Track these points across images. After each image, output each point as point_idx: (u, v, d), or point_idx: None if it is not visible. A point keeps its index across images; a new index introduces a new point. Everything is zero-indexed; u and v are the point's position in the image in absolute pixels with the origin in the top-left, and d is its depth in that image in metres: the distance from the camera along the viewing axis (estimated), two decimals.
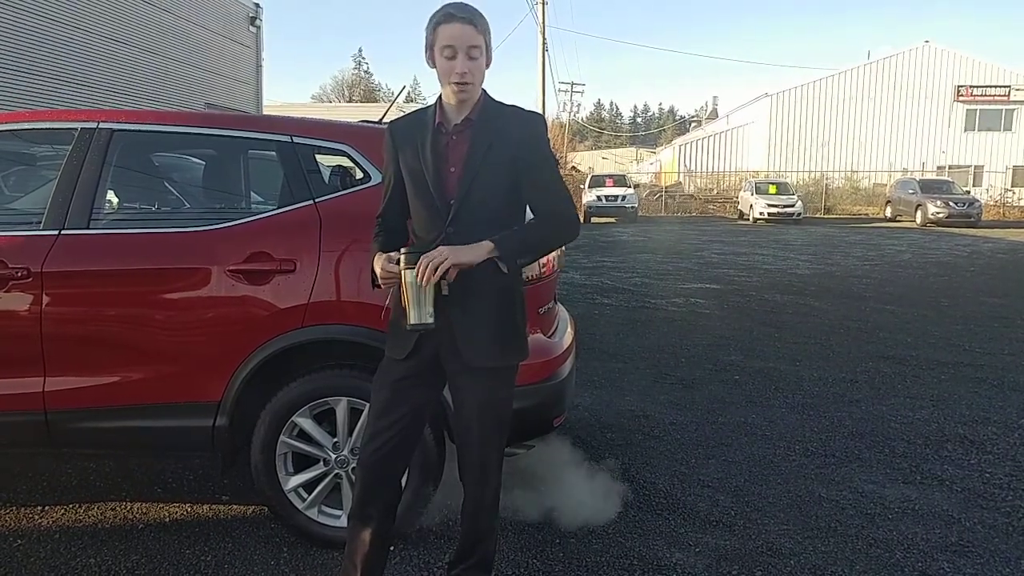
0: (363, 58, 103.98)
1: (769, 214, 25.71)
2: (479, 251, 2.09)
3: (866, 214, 31.14)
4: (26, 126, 3.27)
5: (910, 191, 26.60)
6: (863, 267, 12.83)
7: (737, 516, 3.23)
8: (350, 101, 66.90)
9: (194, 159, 4.12)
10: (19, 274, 2.85)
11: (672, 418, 4.55)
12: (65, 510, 3.23)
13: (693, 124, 52.95)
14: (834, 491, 3.50)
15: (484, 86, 2.23)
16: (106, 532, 3.05)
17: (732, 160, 37.80)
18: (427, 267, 2.01)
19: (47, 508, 3.24)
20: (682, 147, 41.06)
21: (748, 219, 26.89)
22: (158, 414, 2.85)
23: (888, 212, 28.26)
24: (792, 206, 25.78)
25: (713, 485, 3.56)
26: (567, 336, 3.40)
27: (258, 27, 20.53)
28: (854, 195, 33.41)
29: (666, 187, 35.52)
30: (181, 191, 3.59)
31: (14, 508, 3.24)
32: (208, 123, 3.24)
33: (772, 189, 27.12)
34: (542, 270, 3.06)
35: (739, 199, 29.30)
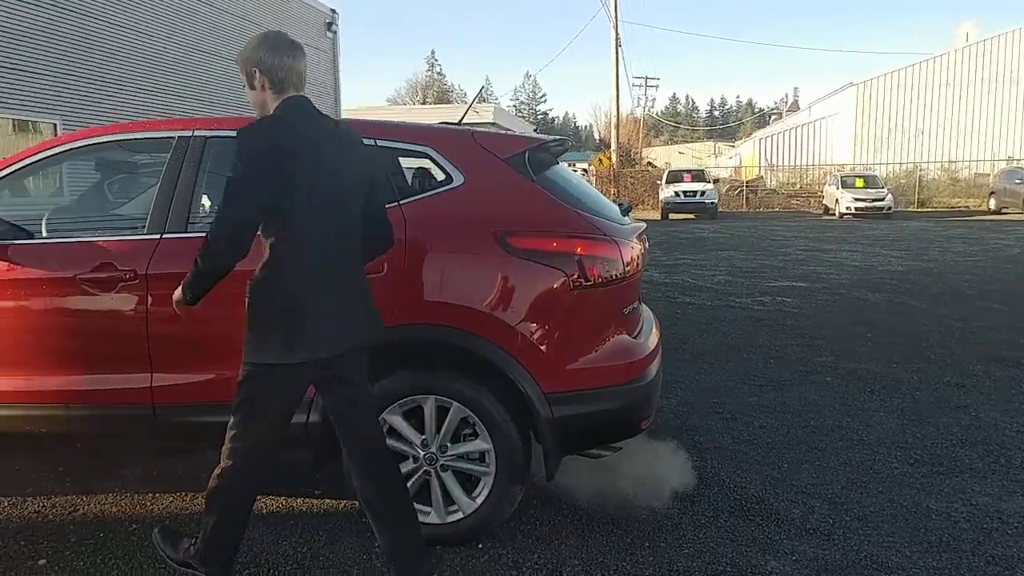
0: (436, 60, 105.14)
1: (856, 208, 24.73)
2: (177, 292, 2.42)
3: (966, 207, 29.56)
4: (128, 136, 3.43)
5: (1017, 181, 25.03)
6: (964, 263, 12.18)
7: (836, 525, 3.12)
8: (424, 103, 67.86)
9: None
10: (127, 276, 2.99)
11: (761, 421, 4.42)
12: (173, 498, 3.38)
13: (773, 117, 51.53)
14: (944, 503, 3.32)
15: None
16: None
17: (815, 153, 36.52)
18: None
19: (157, 496, 3.39)
20: (762, 140, 39.97)
21: (834, 214, 25.96)
22: None
23: (992, 204, 26.65)
24: (881, 200, 24.71)
25: (808, 491, 3.44)
26: (653, 336, 3.35)
27: (334, 32, 21.02)
28: (952, 187, 31.68)
29: (747, 182, 34.65)
30: None
31: (128, 495, 3.41)
32: None
33: (859, 183, 26.07)
34: (626, 268, 3.01)
35: (824, 193, 28.31)
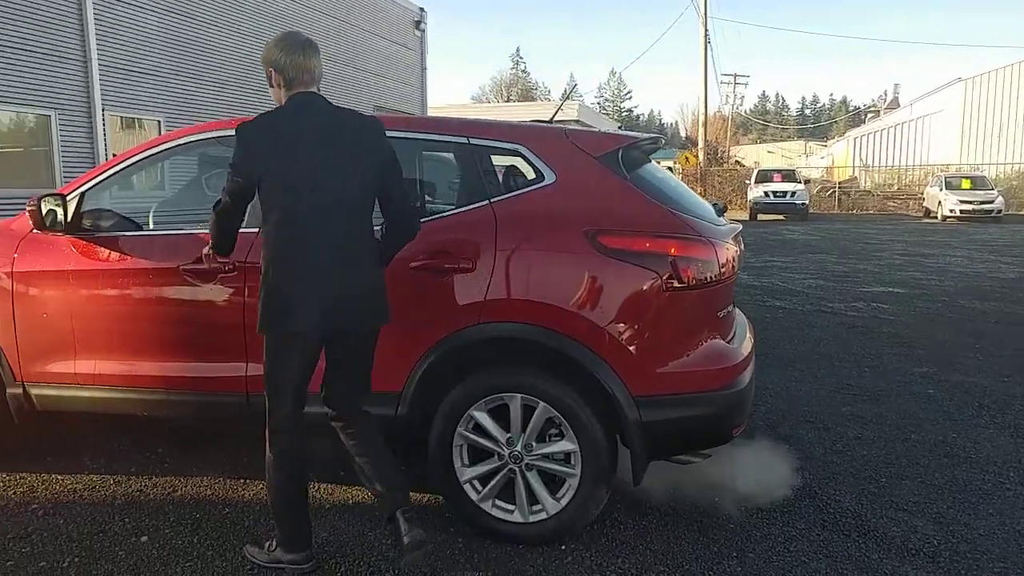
0: (520, 57, 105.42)
1: (962, 211, 23.41)
2: None
3: None
4: (228, 133, 3.54)
5: None
6: None
7: (941, 547, 2.95)
8: (507, 100, 68.16)
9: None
10: (226, 267, 3.09)
11: (856, 432, 4.23)
12: (263, 484, 3.46)
13: (870, 115, 49.40)
14: None
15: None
16: None
17: (916, 153, 34.78)
18: None
19: (248, 481, 3.50)
20: (858, 139, 38.35)
21: (936, 217, 24.69)
22: None
23: None
24: (990, 202, 23.30)
25: (909, 509, 3.27)
26: (747, 342, 3.25)
27: (423, 31, 21.30)
28: None
29: (839, 182, 33.35)
30: None
31: (221, 479, 3.53)
32: (390, 126, 3.37)
33: (965, 184, 24.68)
34: (721, 270, 2.92)
35: (925, 195, 26.95)
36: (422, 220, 3.03)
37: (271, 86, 2.63)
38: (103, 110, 11.20)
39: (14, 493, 3.39)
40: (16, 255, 3.42)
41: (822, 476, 3.62)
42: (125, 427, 4.06)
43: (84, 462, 3.73)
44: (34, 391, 3.45)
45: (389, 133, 3.30)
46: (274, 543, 2.75)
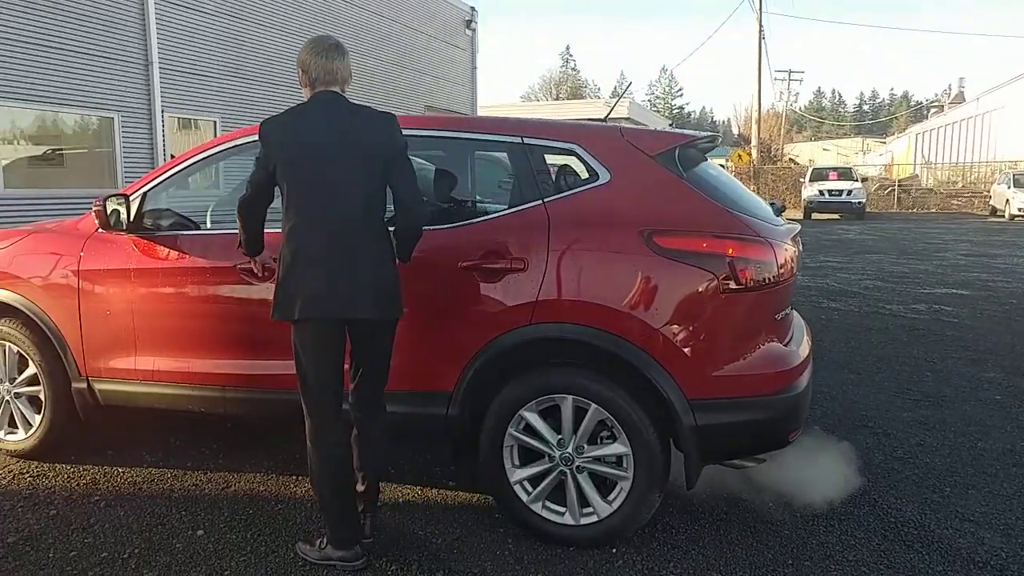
0: (570, 55, 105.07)
1: None
2: None
3: None
4: None
5: None
6: None
7: (1010, 560, 2.83)
8: (556, 99, 68.00)
9: (422, 161, 4.34)
10: None
11: (918, 439, 4.10)
12: None
13: (932, 110, 47.84)
14: None
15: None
16: None
17: (982, 149, 33.61)
18: None
19: (300, 478, 3.54)
20: (920, 135, 37.32)
21: (1003, 215, 23.82)
22: (397, 401, 3.01)
23: None
24: None
25: (976, 520, 3.15)
26: (804, 345, 3.17)
27: (473, 30, 21.37)
28: None
29: (899, 180, 32.43)
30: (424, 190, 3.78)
31: (274, 475, 3.59)
32: (445, 126, 3.39)
33: None
34: (780, 271, 2.85)
35: (991, 193, 26.03)
36: (473, 221, 3.04)
37: (301, 85, 2.80)
38: (163, 112, 11.51)
39: (77, 485, 3.50)
40: (82, 254, 3.52)
41: (882, 484, 3.51)
42: (181, 423, 4.15)
43: (143, 456, 3.83)
44: (98, 386, 3.55)
45: (441, 133, 3.34)
46: (324, 540, 2.78)
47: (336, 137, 2.63)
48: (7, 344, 3.72)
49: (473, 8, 21.26)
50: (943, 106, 48.35)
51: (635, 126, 3.57)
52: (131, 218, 3.46)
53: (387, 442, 2.97)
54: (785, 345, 2.99)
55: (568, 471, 2.88)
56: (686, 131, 3.26)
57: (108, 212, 3.42)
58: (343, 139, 2.63)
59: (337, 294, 2.58)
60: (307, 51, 2.73)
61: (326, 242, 2.59)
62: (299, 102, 2.79)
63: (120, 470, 3.66)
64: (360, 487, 2.83)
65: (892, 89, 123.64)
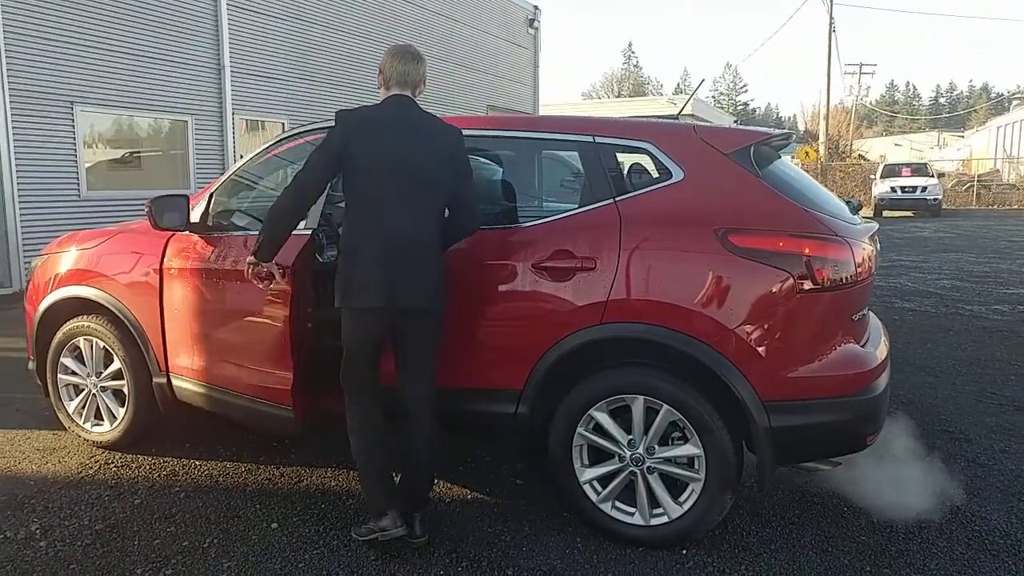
0: (632, 52, 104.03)
1: None
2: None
3: None
4: None
5: None
6: None
7: None
8: (619, 96, 67.47)
9: (484, 160, 4.35)
10: None
11: (1002, 444, 3.93)
12: None
13: (1015, 102, 45.68)
14: None
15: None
16: None
17: None
18: None
19: None
20: (1000, 129, 35.70)
21: None
22: (468, 398, 3.04)
23: None
24: None
25: None
26: (882, 346, 3.08)
27: (536, 29, 21.34)
28: None
29: (978, 176, 31.11)
30: (486, 192, 3.79)
31: (345, 471, 3.65)
32: (516, 126, 3.40)
33: None
34: (857, 271, 2.77)
35: None
36: (543, 220, 3.05)
37: (378, 87, 2.96)
38: (233, 114, 11.84)
39: (159, 476, 3.63)
40: (164, 253, 3.65)
41: (965, 491, 3.38)
42: None
43: (218, 450, 3.94)
44: (176, 382, 3.67)
45: (511, 133, 3.35)
46: (371, 520, 2.89)
47: (410, 138, 2.77)
48: (94, 340, 3.88)
49: (536, 7, 21.22)
50: None
51: (699, 123, 3.49)
52: (208, 219, 3.56)
53: (445, 437, 3.01)
54: (862, 346, 2.91)
55: (638, 471, 2.86)
56: (760, 129, 3.19)
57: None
58: (415, 141, 2.77)
59: (402, 286, 2.72)
60: (386, 57, 2.89)
61: (396, 241, 2.71)
62: (370, 103, 2.85)
63: (197, 463, 3.78)
64: (410, 482, 2.93)
65: (971, 81, 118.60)
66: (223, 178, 3.69)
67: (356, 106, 2.86)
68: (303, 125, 3.35)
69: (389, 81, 2.86)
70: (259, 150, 3.68)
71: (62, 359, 3.99)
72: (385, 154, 2.73)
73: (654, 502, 2.86)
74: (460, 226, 2.92)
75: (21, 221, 8.85)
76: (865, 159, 37.82)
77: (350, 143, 2.72)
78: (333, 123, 2.79)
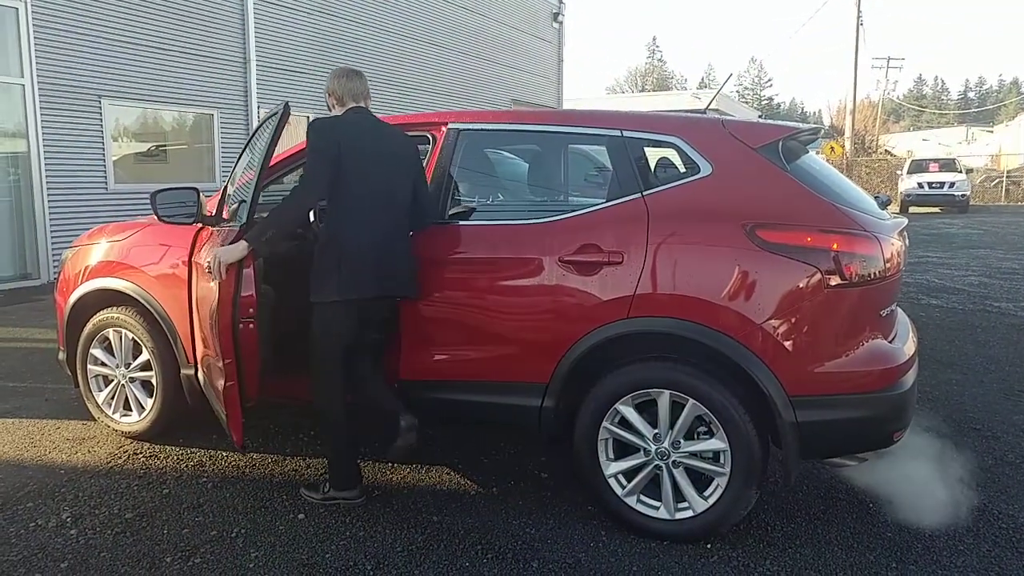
0: (656, 46, 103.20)
1: None
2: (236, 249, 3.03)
3: None
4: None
5: None
6: None
7: None
8: (642, 90, 67.08)
9: (508, 154, 4.35)
10: None
11: None
12: (410, 470, 3.61)
13: None
14: None
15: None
16: (444, 494, 3.34)
17: None
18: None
19: (396, 466, 3.64)
20: None
21: None
22: (493, 391, 3.05)
23: None
24: None
25: None
26: (909, 343, 3.05)
27: (560, 23, 21.26)
28: None
29: (1008, 171, 30.59)
30: (513, 185, 3.80)
31: (371, 462, 3.68)
32: (539, 120, 3.39)
33: None
34: (886, 266, 2.75)
35: None
36: (570, 214, 3.05)
37: (328, 109, 3.24)
38: (258, 107, 11.92)
39: (186, 466, 3.68)
40: (193, 245, 3.69)
41: (992, 489, 3.35)
42: (278, 411, 4.28)
43: (245, 442, 3.97)
44: (201, 375, 3.71)
45: (539, 128, 3.36)
46: (327, 486, 3.21)
47: (382, 145, 3.10)
48: (123, 331, 3.93)
49: (561, 1, 21.16)
50: None
51: (727, 118, 3.46)
52: (203, 212, 3.50)
53: (469, 431, 3.13)
54: (890, 342, 2.89)
55: (664, 465, 2.86)
56: (789, 123, 3.17)
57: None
58: (386, 148, 3.11)
59: (387, 276, 3.03)
60: (332, 77, 3.22)
61: (381, 235, 3.02)
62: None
63: (224, 453, 3.82)
64: (386, 393, 3.23)
65: (1001, 75, 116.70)
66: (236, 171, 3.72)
67: (327, 116, 3.17)
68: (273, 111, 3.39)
69: (343, 97, 3.16)
70: (292, 151, 3.71)
71: (92, 350, 4.05)
72: (369, 157, 3.02)
73: (679, 496, 2.86)
74: (424, 218, 3.20)
75: (50, 214, 8.98)
76: (891, 154, 37.34)
77: (341, 147, 2.96)
78: (311, 131, 3.02)
